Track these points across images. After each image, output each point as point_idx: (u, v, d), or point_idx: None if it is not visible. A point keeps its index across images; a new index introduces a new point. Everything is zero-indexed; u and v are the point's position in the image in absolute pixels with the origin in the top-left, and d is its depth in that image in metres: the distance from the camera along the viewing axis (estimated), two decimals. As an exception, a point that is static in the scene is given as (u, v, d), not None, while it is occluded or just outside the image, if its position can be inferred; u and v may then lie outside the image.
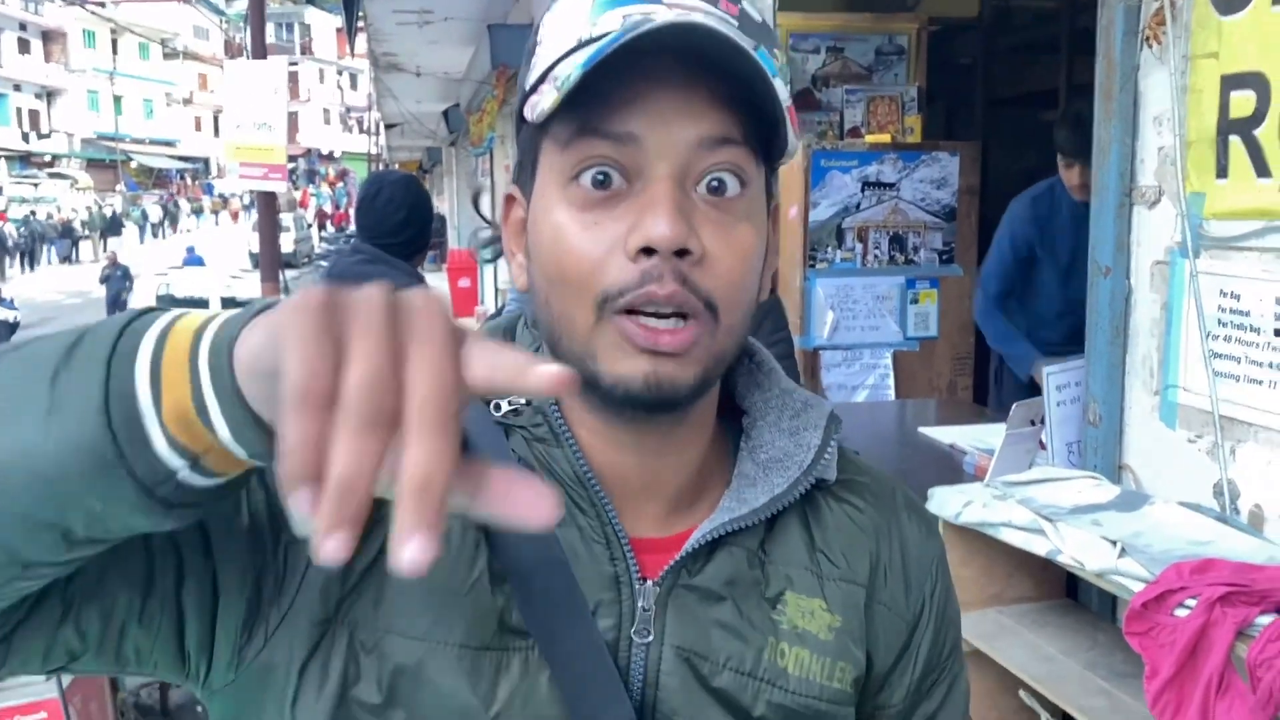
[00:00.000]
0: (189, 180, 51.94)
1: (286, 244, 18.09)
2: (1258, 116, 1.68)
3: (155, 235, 37.01)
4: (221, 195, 45.78)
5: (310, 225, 31.99)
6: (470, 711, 0.63)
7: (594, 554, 0.68)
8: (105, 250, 24.27)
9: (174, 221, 40.03)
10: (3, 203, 32.81)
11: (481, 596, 0.65)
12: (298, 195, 37.84)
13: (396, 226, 2.94)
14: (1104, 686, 1.78)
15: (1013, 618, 2.02)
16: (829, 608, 0.72)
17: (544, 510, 0.41)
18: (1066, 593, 2.12)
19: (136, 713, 3.08)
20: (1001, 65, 5.76)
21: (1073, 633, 1.97)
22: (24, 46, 41.53)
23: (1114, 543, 1.63)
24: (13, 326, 13.27)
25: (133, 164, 46.93)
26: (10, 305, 13.61)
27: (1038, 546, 1.75)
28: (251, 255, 19.83)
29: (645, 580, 0.68)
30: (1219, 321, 1.78)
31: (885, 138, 3.96)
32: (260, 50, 7.21)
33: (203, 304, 13.51)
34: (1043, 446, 2.29)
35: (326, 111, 58.41)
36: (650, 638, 0.68)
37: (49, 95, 43.55)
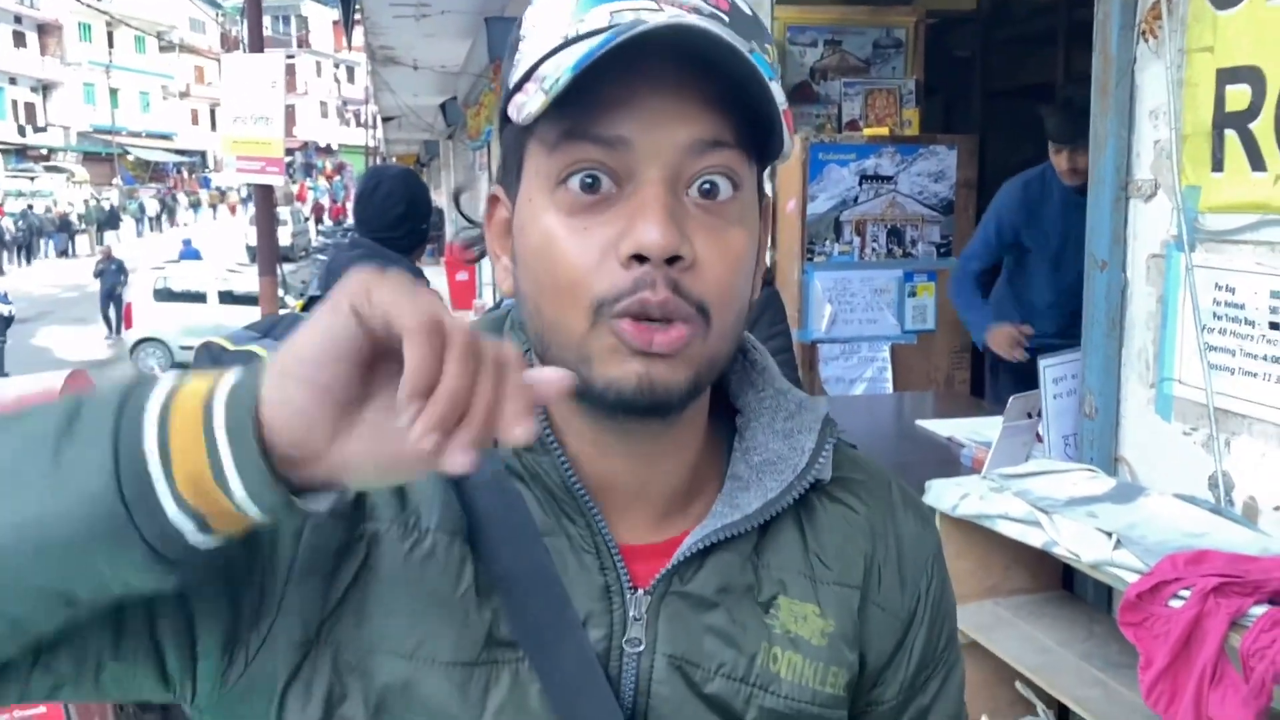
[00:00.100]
0: (186, 174, 51.75)
1: (284, 237, 18.04)
2: (1253, 110, 1.68)
3: (152, 229, 36.93)
4: (219, 189, 45.67)
5: (307, 219, 31.92)
6: None
7: (584, 564, 0.67)
8: (101, 244, 24.23)
9: (171, 215, 39.93)
10: (-1, 196, 32.76)
11: (469, 609, 0.64)
12: (295, 189, 37.73)
13: (395, 220, 2.94)
14: (1099, 677, 1.79)
15: (1009, 609, 2.03)
16: (822, 612, 0.71)
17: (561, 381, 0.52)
18: (1062, 584, 2.13)
19: (137, 710, 3.08)
20: (999, 58, 5.76)
21: (1068, 624, 1.98)
22: (19, 40, 41.33)
23: (1109, 534, 1.64)
24: (8, 320, 13.23)
25: (129, 157, 46.74)
26: (5, 299, 13.57)
27: (1034, 538, 1.76)
28: (248, 249, 19.79)
29: (636, 589, 0.67)
30: (1214, 315, 1.79)
31: (883, 131, 3.96)
32: (257, 44, 7.17)
33: (200, 297, 13.46)
34: (1039, 439, 2.29)
35: (323, 104, 58.21)
36: (642, 647, 0.66)
37: (45, 88, 43.38)
